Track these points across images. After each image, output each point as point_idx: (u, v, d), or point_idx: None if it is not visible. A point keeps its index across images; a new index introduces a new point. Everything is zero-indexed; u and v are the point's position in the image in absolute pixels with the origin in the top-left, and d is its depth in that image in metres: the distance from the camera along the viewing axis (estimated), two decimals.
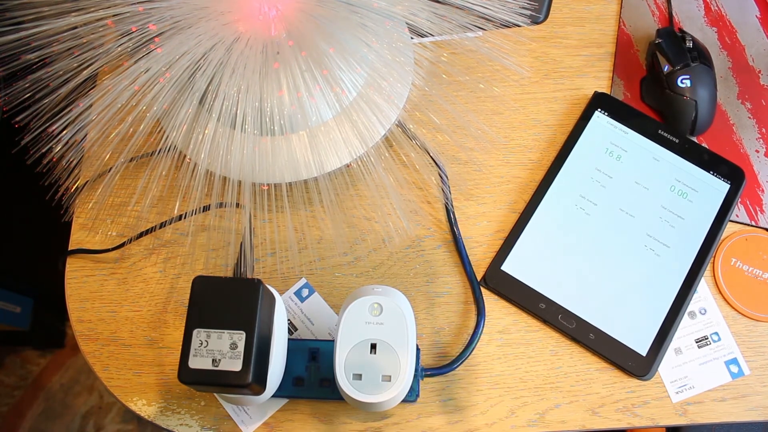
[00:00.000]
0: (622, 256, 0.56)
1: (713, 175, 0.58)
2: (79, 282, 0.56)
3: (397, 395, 0.46)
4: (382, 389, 0.45)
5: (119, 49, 0.48)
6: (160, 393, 0.54)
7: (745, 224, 0.58)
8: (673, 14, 0.65)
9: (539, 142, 0.61)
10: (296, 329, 0.55)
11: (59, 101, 0.48)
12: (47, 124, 0.48)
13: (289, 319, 0.55)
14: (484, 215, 0.58)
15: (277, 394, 0.50)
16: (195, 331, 0.44)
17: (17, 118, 0.48)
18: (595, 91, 0.61)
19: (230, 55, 0.47)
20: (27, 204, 1.06)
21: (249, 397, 0.48)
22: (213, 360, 0.43)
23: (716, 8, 0.65)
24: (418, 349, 0.52)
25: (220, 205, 0.56)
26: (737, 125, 0.61)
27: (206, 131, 0.49)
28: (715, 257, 0.57)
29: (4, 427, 1.20)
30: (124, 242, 0.56)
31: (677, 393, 0.54)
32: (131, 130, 0.49)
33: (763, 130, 0.61)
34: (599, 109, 0.60)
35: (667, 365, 0.54)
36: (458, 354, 0.53)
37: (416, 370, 0.50)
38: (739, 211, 0.58)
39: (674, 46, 0.60)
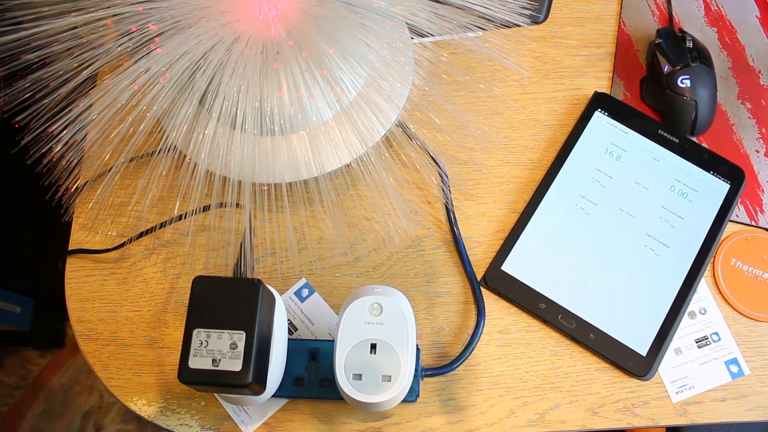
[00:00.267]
0: (622, 256, 0.56)
1: (713, 175, 0.58)
2: (79, 282, 0.56)
3: (397, 395, 0.46)
4: (382, 389, 0.45)
5: (119, 49, 0.48)
6: (160, 393, 0.54)
7: (745, 224, 0.58)
8: (673, 14, 0.65)
9: (539, 142, 0.61)
10: (296, 329, 0.55)
11: (59, 101, 0.48)
12: (47, 124, 0.48)
13: (289, 319, 0.55)
14: (484, 215, 0.58)
15: (277, 394, 0.50)
16: (195, 331, 0.44)
17: (17, 118, 0.48)
18: (595, 91, 0.61)
19: (230, 55, 0.47)
20: (27, 204, 1.05)
21: (249, 397, 0.48)
22: (213, 360, 0.43)
23: (716, 8, 0.65)
24: (418, 349, 0.52)
25: (220, 205, 0.56)
26: (737, 125, 0.61)
27: (206, 131, 0.49)
28: (715, 257, 0.57)
29: (4, 427, 1.20)
30: (124, 242, 0.56)
31: (677, 393, 0.54)
32: (131, 130, 0.49)
33: (763, 130, 0.61)
34: (599, 109, 0.60)
35: (667, 365, 0.54)
36: (458, 354, 0.53)
37: (416, 370, 0.50)
38: (739, 211, 0.58)
39: (674, 46, 0.60)
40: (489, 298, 0.56)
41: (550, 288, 0.55)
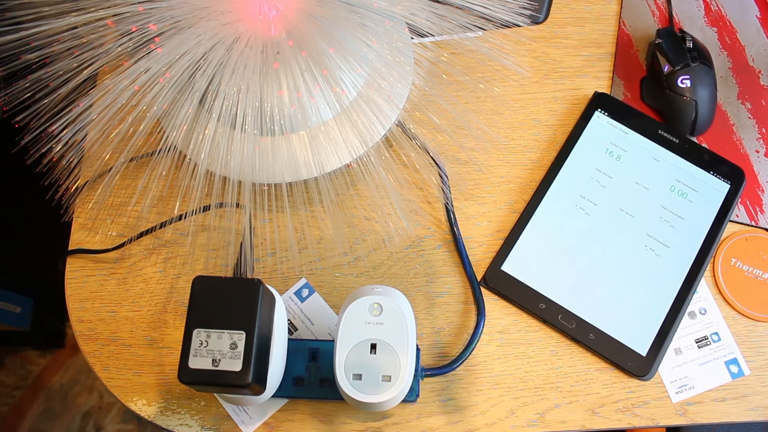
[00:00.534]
0: (622, 256, 0.56)
1: (713, 175, 0.58)
2: (79, 282, 0.56)
3: (397, 395, 0.46)
4: (382, 389, 0.45)
5: (119, 49, 0.48)
6: (160, 393, 0.54)
7: (745, 224, 0.58)
8: (673, 14, 0.65)
9: (539, 142, 0.61)
10: (296, 329, 0.55)
11: (59, 101, 0.48)
12: (47, 124, 0.48)
13: (289, 319, 0.55)
14: (484, 215, 0.58)
15: (277, 394, 0.50)
16: (195, 331, 0.44)
17: (17, 118, 0.48)
18: (595, 91, 0.61)
19: (230, 55, 0.47)
20: (27, 204, 1.05)
21: (249, 397, 0.48)
22: (213, 360, 0.43)
23: (716, 8, 0.65)
24: (418, 349, 0.52)
25: (220, 205, 0.56)
26: (737, 125, 0.61)
27: (206, 131, 0.49)
28: (715, 257, 0.57)
29: (4, 427, 1.20)
30: (124, 242, 0.56)
31: (677, 393, 0.54)
32: (131, 130, 0.49)
33: (763, 130, 0.61)
34: (599, 109, 0.60)
35: (667, 365, 0.54)
36: (458, 354, 0.53)
37: (416, 370, 0.50)
38: (739, 211, 0.58)
39: (674, 46, 0.60)
40: (489, 298, 0.56)
41: (550, 288, 0.55)
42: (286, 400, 0.53)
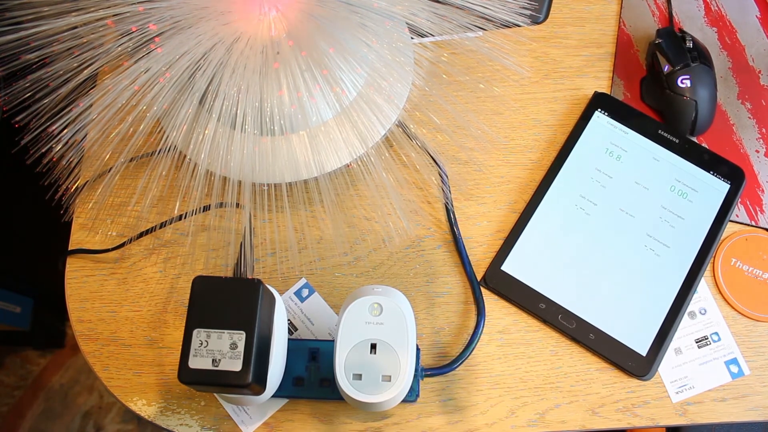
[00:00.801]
0: (622, 256, 0.56)
1: (713, 175, 0.58)
2: (79, 282, 0.56)
3: (397, 395, 0.46)
4: (382, 389, 0.45)
5: (119, 49, 0.48)
6: (160, 393, 0.54)
7: (745, 224, 0.58)
8: (673, 14, 0.65)
9: (539, 142, 0.61)
10: (296, 329, 0.55)
11: (59, 101, 0.48)
12: (47, 124, 0.48)
13: (289, 319, 0.55)
14: (484, 215, 0.58)
15: (277, 394, 0.50)
16: (195, 331, 0.44)
17: (17, 118, 0.48)
18: (595, 91, 0.61)
19: (230, 55, 0.47)
20: (27, 204, 1.06)
21: (249, 397, 0.48)
22: (213, 360, 0.43)
23: (716, 8, 0.65)
24: (418, 349, 0.52)
25: (220, 205, 0.56)
26: (737, 125, 0.61)
27: (206, 131, 0.49)
28: (715, 257, 0.57)
29: (4, 427, 1.20)
30: (124, 242, 0.56)
31: (677, 393, 0.54)
32: (131, 130, 0.49)
33: (763, 130, 0.61)
34: (599, 109, 0.60)
35: (667, 365, 0.54)
36: (458, 354, 0.53)
37: (416, 370, 0.50)
38: (739, 211, 0.58)
39: (674, 46, 0.60)
40: (489, 298, 0.56)
41: (550, 288, 0.55)
42: (286, 400, 0.53)
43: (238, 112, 0.47)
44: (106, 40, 0.48)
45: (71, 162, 0.50)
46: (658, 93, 0.60)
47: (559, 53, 0.64)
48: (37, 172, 0.49)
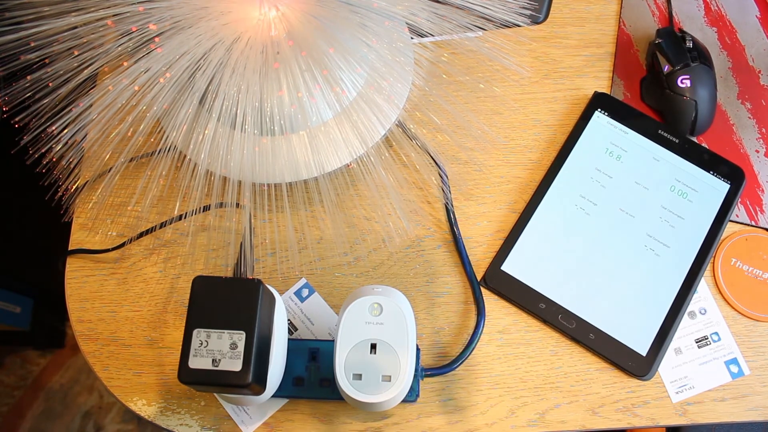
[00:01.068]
0: (622, 256, 0.56)
1: (713, 175, 0.58)
2: (79, 282, 0.56)
3: (397, 395, 0.46)
4: (382, 389, 0.45)
5: (119, 49, 0.48)
6: (160, 393, 0.54)
7: (745, 224, 0.58)
8: (673, 14, 0.65)
9: (539, 142, 0.61)
10: (296, 329, 0.55)
11: (59, 101, 0.48)
12: (47, 124, 0.48)
13: (289, 319, 0.55)
14: (484, 215, 0.58)
15: (277, 394, 0.50)
16: (195, 331, 0.44)
17: (17, 118, 0.48)
18: (595, 91, 0.61)
19: (230, 55, 0.47)
20: (27, 204, 1.06)
21: (249, 397, 0.48)
22: (213, 360, 0.43)
23: (716, 8, 0.65)
24: (418, 349, 0.52)
25: (220, 205, 0.56)
26: (737, 125, 0.61)
27: (206, 131, 0.49)
28: (715, 257, 0.57)
29: (4, 427, 1.20)
30: (124, 242, 0.56)
31: (677, 393, 0.54)
32: (131, 130, 0.49)
33: (763, 130, 0.61)
34: (599, 109, 0.60)
35: (667, 365, 0.54)
36: (458, 354, 0.53)
37: (416, 370, 0.50)
38: (739, 211, 0.58)
39: (674, 46, 0.60)
40: (489, 298, 0.56)
41: (550, 288, 0.55)
42: (286, 400, 0.53)
43: (238, 112, 0.47)
44: (106, 40, 0.48)
45: (71, 162, 0.50)
46: (658, 93, 0.60)
47: (559, 53, 0.64)
48: (37, 172, 0.49)
